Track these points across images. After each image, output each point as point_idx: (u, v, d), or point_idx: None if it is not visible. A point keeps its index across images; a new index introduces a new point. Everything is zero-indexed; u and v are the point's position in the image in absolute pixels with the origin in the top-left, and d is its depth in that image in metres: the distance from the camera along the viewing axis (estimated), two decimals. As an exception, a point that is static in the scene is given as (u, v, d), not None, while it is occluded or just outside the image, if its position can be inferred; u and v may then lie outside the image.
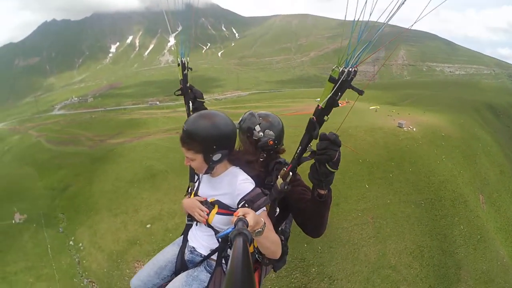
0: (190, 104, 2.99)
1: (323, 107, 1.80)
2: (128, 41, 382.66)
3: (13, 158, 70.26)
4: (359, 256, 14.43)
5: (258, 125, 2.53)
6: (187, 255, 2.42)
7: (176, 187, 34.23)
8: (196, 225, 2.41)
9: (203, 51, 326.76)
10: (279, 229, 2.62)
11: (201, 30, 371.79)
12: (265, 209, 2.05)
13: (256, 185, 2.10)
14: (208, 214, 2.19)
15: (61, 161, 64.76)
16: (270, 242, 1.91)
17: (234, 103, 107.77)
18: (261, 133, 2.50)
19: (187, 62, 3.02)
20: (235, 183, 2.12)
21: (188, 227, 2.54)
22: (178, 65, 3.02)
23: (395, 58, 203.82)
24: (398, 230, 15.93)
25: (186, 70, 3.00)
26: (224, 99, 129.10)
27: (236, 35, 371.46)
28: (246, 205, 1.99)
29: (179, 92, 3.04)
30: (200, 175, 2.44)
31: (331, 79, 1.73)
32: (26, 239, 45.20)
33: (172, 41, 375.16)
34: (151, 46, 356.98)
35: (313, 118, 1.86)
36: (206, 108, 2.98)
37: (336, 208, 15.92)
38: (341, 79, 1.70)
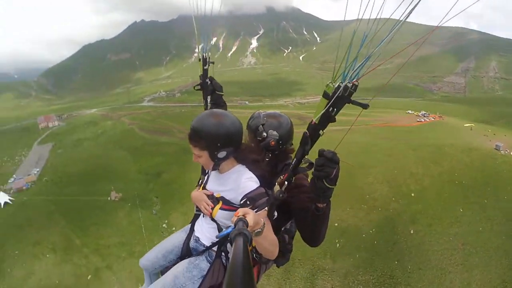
0: (208, 99, 3.09)
1: (316, 122, 1.86)
2: (212, 42, 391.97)
3: (108, 141, 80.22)
4: (444, 282, 14.80)
5: (261, 125, 2.57)
6: (192, 243, 2.57)
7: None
8: (203, 216, 2.53)
9: (284, 54, 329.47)
10: (283, 228, 2.68)
11: (283, 34, 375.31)
12: (266, 209, 2.12)
13: (261, 185, 2.20)
14: (212, 209, 2.30)
15: (155, 149, 71.80)
16: (268, 242, 1.99)
17: (316, 108, 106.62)
18: (264, 133, 2.53)
19: (208, 57, 3.06)
20: (240, 180, 2.22)
21: (196, 217, 2.65)
22: (199, 60, 3.06)
23: (486, 69, 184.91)
24: (486, 260, 15.82)
25: (207, 66, 3.04)
26: (306, 103, 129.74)
27: (318, 39, 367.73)
28: (248, 203, 2.09)
29: (198, 87, 3.11)
30: (209, 171, 2.51)
31: (325, 95, 1.77)
32: (121, 216, 51.25)
33: (254, 43, 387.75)
34: (234, 48, 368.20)
35: (306, 132, 1.92)
36: (224, 102, 3.15)
37: (429, 229, 16.26)
38: (335, 96, 1.72)
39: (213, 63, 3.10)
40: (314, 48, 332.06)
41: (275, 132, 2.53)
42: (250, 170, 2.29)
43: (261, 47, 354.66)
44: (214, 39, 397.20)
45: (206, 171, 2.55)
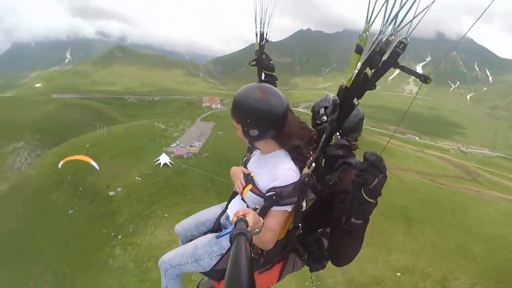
0: (263, 76, 2.95)
1: (347, 85, 1.49)
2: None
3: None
4: None
5: (323, 108, 2.40)
6: (223, 220, 2.57)
7: (433, 244, 43.84)
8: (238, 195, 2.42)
9: (450, 89, 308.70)
10: (322, 230, 2.47)
11: (451, 65, 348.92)
12: (288, 209, 2.02)
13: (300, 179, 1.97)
14: (244, 188, 2.24)
15: None
16: (260, 241, 1.92)
17: (480, 164, 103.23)
18: (324, 117, 2.36)
19: (266, 34, 2.84)
20: (277, 168, 2.08)
21: (234, 195, 2.55)
22: (256, 35, 2.86)
23: None
24: None
25: (263, 42, 2.88)
26: (468, 152, 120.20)
27: (490, 78, 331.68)
28: (274, 198, 1.96)
29: (254, 63, 2.98)
30: (255, 149, 2.46)
31: (358, 49, 1.39)
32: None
33: (419, 71, 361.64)
34: (396, 71, 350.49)
35: (336, 99, 1.59)
36: (275, 82, 2.97)
37: None
38: (371, 49, 1.35)
39: (267, 41, 2.87)
40: (485, 88, 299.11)
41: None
42: (292, 158, 2.13)
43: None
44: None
45: (253, 149, 2.53)
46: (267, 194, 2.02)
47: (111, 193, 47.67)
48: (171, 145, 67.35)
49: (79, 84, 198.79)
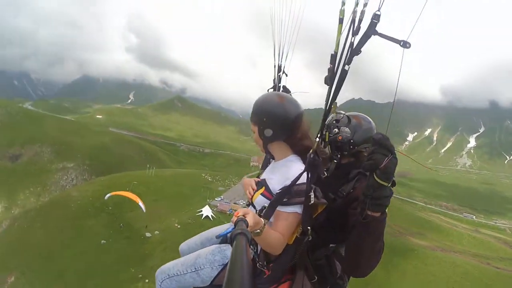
0: None
1: (335, 51, 1.73)
2: (426, 133, 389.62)
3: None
4: None
5: (335, 121, 2.45)
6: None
7: None
8: (248, 206, 2.40)
9: (505, 162, 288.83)
10: (332, 246, 2.33)
11: (505, 136, 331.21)
12: (297, 211, 2.02)
13: (311, 182, 2.03)
14: (255, 193, 2.25)
15: None
16: (266, 244, 1.93)
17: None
18: (335, 129, 2.40)
19: (284, 66, 2.97)
20: (291, 169, 2.12)
21: None
22: (275, 66, 3.02)
23: None
24: None
25: (281, 73, 2.99)
26: None
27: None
28: (283, 195, 2.02)
29: (271, 90, 3.02)
30: (271, 161, 2.50)
31: (340, 20, 1.66)
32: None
33: (472, 142, 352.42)
34: (449, 144, 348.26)
35: (330, 66, 1.79)
36: None
37: None
38: (350, 18, 1.62)
39: (286, 74, 2.96)
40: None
41: (347, 129, 2.38)
42: (304, 163, 2.16)
43: (479, 148, 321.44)
44: (429, 130, 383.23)
45: (267, 165, 2.58)
46: (276, 193, 2.08)
47: (148, 234, 47.56)
48: (216, 199, 68.83)
49: (137, 124, 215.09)
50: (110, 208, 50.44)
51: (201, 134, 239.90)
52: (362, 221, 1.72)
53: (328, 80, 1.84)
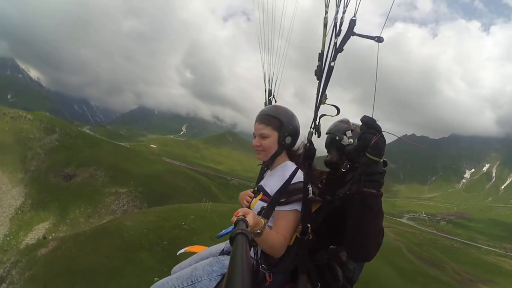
0: None
1: (322, 50, 2.00)
2: (484, 169, 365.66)
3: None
4: None
5: (350, 131, 2.46)
6: (227, 247, 2.52)
7: None
8: None
9: None
10: (332, 247, 2.28)
11: None
12: (297, 208, 2.06)
13: (308, 183, 2.08)
14: (252, 200, 2.32)
15: (425, 280, 70.09)
16: (268, 245, 1.92)
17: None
18: (350, 140, 2.43)
19: (274, 91, 3.13)
20: (287, 172, 2.19)
21: None
22: (265, 91, 3.15)
23: None
24: None
25: (271, 97, 3.14)
26: None
27: None
28: (281, 194, 2.08)
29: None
30: (265, 175, 2.57)
31: (324, 25, 1.96)
32: None
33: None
34: (509, 180, 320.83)
35: (319, 63, 2.03)
36: None
37: None
38: (333, 23, 1.90)
39: (275, 100, 3.12)
40: None
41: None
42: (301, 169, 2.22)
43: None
44: (487, 166, 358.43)
45: (262, 176, 2.63)
46: (275, 193, 2.12)
47: (204, 275, 46.38)
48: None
49: (189, 156, 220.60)
50: (165, 243, 50.07)
51: (251, 169, 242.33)
52: (359, 197, 1.78)
53: (318, 73, 2.02)
